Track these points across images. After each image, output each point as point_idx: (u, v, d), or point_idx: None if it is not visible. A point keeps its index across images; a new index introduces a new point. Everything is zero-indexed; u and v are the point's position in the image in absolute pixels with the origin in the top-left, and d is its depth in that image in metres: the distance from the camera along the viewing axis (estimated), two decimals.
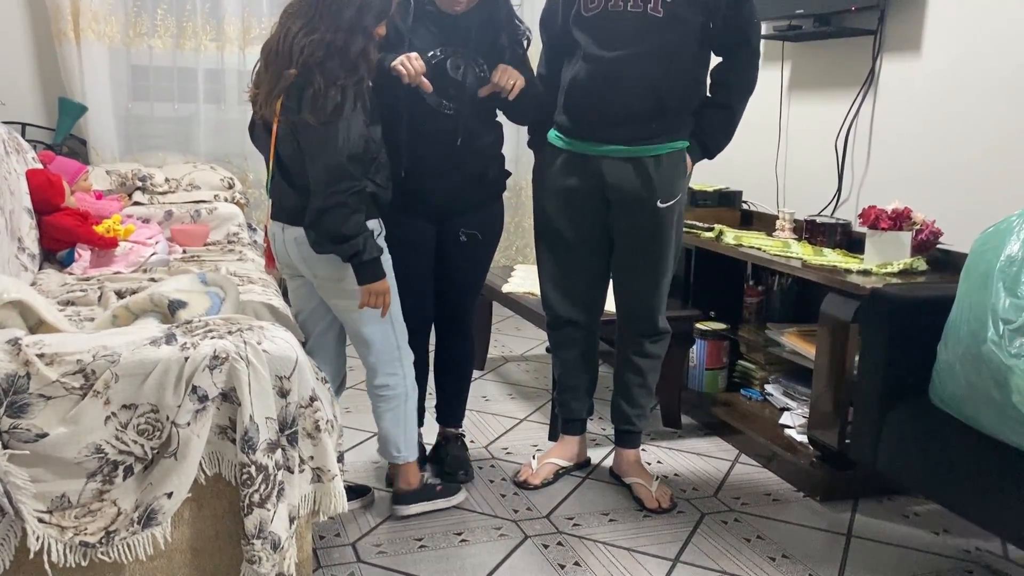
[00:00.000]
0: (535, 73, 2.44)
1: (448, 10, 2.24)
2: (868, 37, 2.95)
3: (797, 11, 3.09)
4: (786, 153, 3.39)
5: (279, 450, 1.70)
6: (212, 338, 1.66)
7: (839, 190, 3.11)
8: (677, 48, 2.24)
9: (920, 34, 2.79)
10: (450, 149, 2.27)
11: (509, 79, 2.23)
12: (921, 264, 2.56)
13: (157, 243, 3.13)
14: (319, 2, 1.97)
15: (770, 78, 3.41)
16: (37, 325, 1.71)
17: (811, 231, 2.95)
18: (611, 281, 2.52)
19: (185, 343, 1.64)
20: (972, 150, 2.63)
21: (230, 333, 1.69)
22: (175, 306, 1.87)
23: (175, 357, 1.61)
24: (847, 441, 2.40)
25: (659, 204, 2.32)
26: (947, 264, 2.59)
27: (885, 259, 2.57)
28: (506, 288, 3.29)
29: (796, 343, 2.82)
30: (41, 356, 1.54)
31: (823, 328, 2.49)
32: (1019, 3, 2.47)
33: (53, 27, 3.76)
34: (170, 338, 1.65)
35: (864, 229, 2.66)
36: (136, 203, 3.57)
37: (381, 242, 2.13)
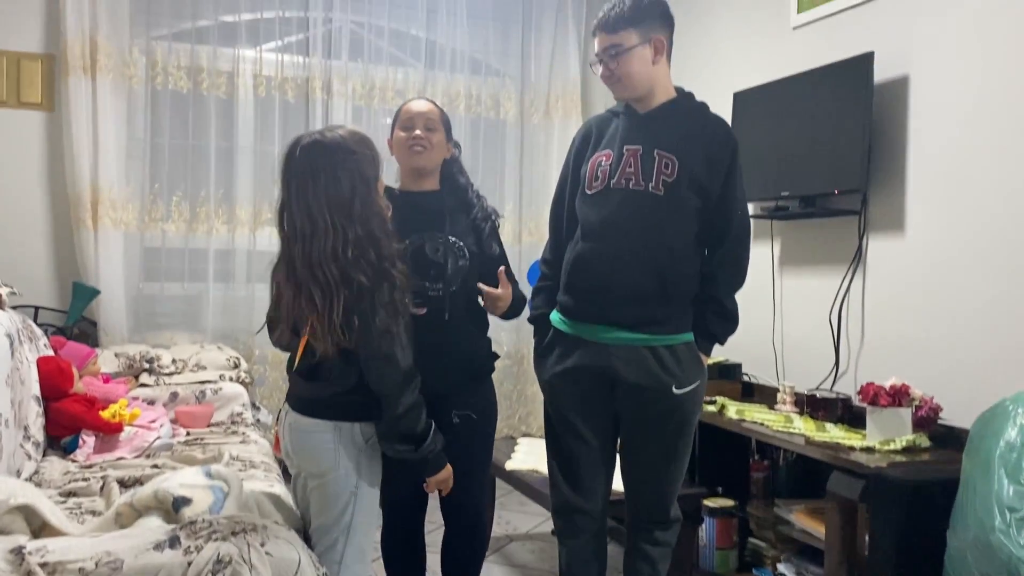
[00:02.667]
0: (541, 258, 2.54)
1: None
2: (853, 217, 3.07)
3: (783, 193, 3.24)
4: (782, 326, 3.46)
5: None
6: (215, 540, 1.65)
7: (837, 363, 3.15)
8: (679, 231, 2.25)
9: (903, 214, 2.92)
10: (439, 330, 2.33)
11: (495, 306, 2.43)
12: (924, 440, 2.56)
13: (161, 426, 3.15)
14: (330, 217, 1.90)
15: (761, 254, 3.52)
16: (40, 528, 1.71)
17: (812, 405, 2.97)
18: (619, 465, 2.45)
19: (188, 547, 1.63)
20: (961, 323, 2.68)
21: (233, 534, 1.68)
22: (179, 503, 1.87)
23: (178, 562, 1.60)
24: None
25: (675, 390, 2.25)
26: (950, 440, 2.58)
27: (887, 435, 2.57)
28: (509, 465, 3.25)
29: (805, 522, 2.78)
30: (44, 565, 1.53)
31: (831, 507, 2.47)
32: (992, 181, 2.60)
33: (73, 216, 3.91)
34: (174, 541, 1.64)
35: (865, 405, 2.68)
36: (143, 384, 3.61)
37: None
